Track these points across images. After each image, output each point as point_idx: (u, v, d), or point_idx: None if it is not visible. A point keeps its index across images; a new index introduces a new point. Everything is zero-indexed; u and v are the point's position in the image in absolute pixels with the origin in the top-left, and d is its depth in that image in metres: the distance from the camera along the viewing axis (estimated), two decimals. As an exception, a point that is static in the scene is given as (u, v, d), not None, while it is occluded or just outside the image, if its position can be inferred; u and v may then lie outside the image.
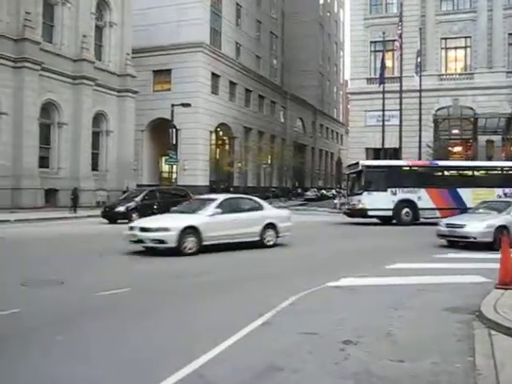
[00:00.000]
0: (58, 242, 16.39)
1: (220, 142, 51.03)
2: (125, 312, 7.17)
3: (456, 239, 14.72)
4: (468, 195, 23.97)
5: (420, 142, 34.97)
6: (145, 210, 26.07)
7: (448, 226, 14.96)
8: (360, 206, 23.96)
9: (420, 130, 35.10)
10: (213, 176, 47.42)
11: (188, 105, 34.86)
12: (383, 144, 35.16)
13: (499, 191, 24.25)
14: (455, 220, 15.47)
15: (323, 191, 62.75)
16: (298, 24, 69.33)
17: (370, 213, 23.97)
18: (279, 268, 11.26)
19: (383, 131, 34.84)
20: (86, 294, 8.20)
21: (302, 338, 5.72)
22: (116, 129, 36.86)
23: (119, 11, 37.45)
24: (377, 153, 38.89)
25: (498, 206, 15.85)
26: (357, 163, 25.77)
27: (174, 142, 35.73)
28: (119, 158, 36.75)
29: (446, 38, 41.71)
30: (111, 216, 24.40)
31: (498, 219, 14.54)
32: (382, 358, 5.05)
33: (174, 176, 39.61)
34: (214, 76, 47.11)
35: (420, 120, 35.16)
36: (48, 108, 31.79)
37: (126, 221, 24.97)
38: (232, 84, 50.45)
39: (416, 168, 26.11)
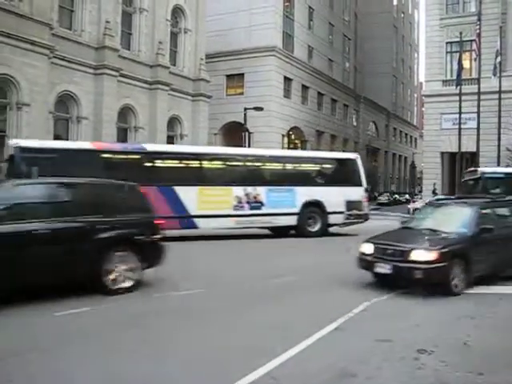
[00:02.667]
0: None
1: (292, 146, 51.02)
2: (195, 312, 7.29)
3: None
4: (190, 197, 17.47)
5: (499, 145, 33.65)
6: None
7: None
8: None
9: (499, 134, 33.76)
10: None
11: (261, 108, 35.06)
12: (460, 148, 34.10)
13: (238, 190, 18.31)
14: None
15: (396, 196, 61.54)
16: (371, 26, 68.41)
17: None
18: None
19: (459, 135, 33.75)
20: (159, 293, 8.40)
21: (375, 345, 5.65)
22: (190, 132, 37.57)
23: (193, 18, 38.22)
24: (452, 157, 37.74)
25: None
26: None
27: (247, 146, 36.04)
28: (193, 162, 37.41)
29: (528, 37, 39.98)
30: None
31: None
32: (459, 369, 4.90)
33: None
34: (287, 80, 47.19)
35: (499, 123, 33.81)
36: (125, 112, 32.80)
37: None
38: (304, 87, 50.36)
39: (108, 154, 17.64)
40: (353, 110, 62.17)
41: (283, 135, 47.11)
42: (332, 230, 20.45)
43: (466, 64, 39.09)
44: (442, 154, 40.95)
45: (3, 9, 24.35)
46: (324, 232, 19.62)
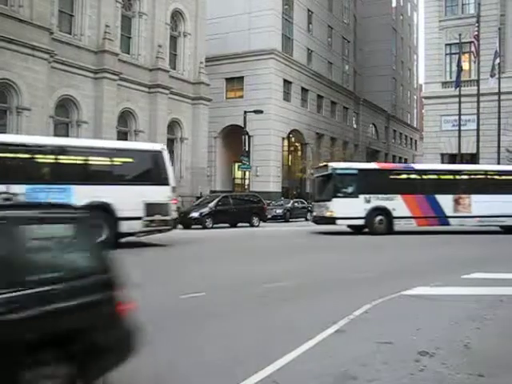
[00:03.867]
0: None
1: (292, 148, 51.08)
2: (204, 314, 7.31)
3: None
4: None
5: (499, 146, 33.70)
6: (219, 216, 26.51)
7: None
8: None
9: (499, 135, 33.81)
10: (285, 182, 47.53)
11: (260, 111, 35.15)
12: (459, 149, 34.12)
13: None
14: None
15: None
16: (370, 28, 68.50)
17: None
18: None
19: (459, 136, 33.85)
20: (166, 296, 8.42)
21: (376, 347, 5.66)
22: (190, 136, 37.62)
23: (193, 21, 38.30)
24: (453, 158, 37.78)
25: None
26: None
27: (247, 149, 36.10)
28: (193, 165, 37.47)
29: (527, 38, 40.03)
30: (185, 222, 24.90)
31: None
32: (460, 371, 4.91)
33: (247, 182, 40.02)
34: (286, 82, 47.25)
35: (499, 124, 33.87)
36: (125, 116, 32.86)
37: (200, 226, 25.51)
38: (304, 90, 50.43)
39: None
40: (352, 113, 62.21)
41: (283, 138, 47.17)
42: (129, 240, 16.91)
43: (465, 66, 39.18)
44: (442, 155, 40.99)
45: (4, 14, 24.43)
46: (113, 244, 14.08)
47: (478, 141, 33.61)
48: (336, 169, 22.74)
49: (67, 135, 29.26)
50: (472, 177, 24.71)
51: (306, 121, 49.97)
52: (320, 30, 54.09)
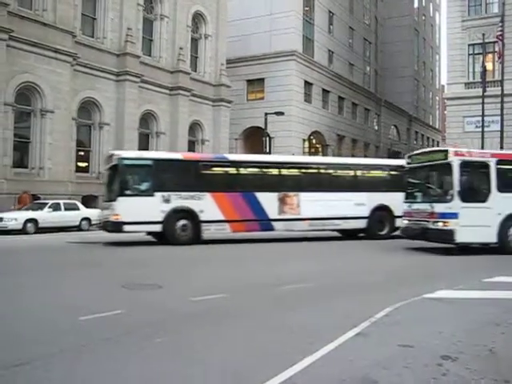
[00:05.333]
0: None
1: (313, 150, 50.93)
2: (220, 316, 7.31)
3: None
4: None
5: (523, 148, 33.24)
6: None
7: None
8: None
9: (523, 136, 33.37)
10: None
11: (281, 113, 35.11)
12: (483, 151, 33.70)
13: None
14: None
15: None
16: (391, 29, 68.09)
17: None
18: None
19: (482, 137, 33.41)
20: (184, 298, 8.44)
21: (397, 351, 5.58)
22: (211, 138, 37.75)
23: (214, 23, 38.46)
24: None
25: None
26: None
27: (268, 150, 36.08)
28: (214, 167, 37.56)
29: (552, 38, 39.43)
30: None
31: None
32: (485, 376, 4.82)
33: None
34: (307, 84, 47.13)
35: (523, 125, 33.43)
36: (146, 118, 33.09)
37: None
38: (325, 92, 50.26)
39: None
40: (374, 114, 61.86)
41: (304, 140, 47.05)
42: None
43: (488, 66, 38.67)
44: (465, 157, 40.46)
45: (28, 18, 24.82)
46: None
47: (501, 142, 33.13)
48: (123, 159, 17.72)
49: (89, 137, 29.59)
50: (302, 171, 20.84)
51: (327, 122, 49.80)
52: (341, 31, 53.90)
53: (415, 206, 16.23)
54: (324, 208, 19.76)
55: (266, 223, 19.27)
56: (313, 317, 7.35)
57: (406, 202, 16.88)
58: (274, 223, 19.37)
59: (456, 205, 14.52)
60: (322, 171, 21.01)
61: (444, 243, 15.48)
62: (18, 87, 24.72)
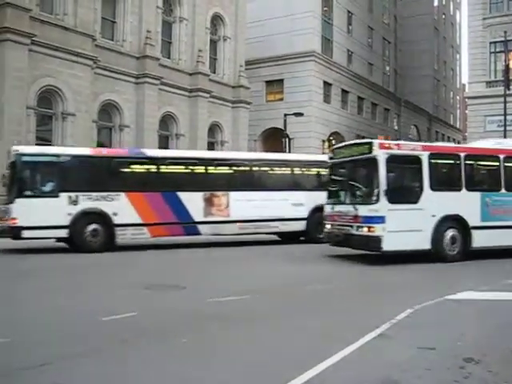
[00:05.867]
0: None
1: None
2: (244, 317, 7.33)
3: None
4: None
5: (546, 147, 32.76)
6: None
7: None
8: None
9: (547, 135, 32.93)
10: (325, 184, 47.16)
11: (300, 114, 35.06)
12: (505, 150, 33.29)
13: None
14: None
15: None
16: (411, 28, 67.57)
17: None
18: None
19: (505, 137, 33.02)
20: (208, 298, 8.48)
21: (418, 353, 5.56)
22: (230, 139, 37.82)
23: (233, 25, 38.55)
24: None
25: None
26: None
27: (287, 151, 36.06)
28: (233, 168, 37.65)
29: None
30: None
31: None
32: (508, 379, 4.77)
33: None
34: (326, 84, 46.99)
35: (546, 124, 32.99)
36: (166, 120, 33.26)
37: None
38: (344, 92, 50.07)
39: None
40: (394, 114, 61.48)
41: (323, 140, 46.91)
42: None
43: (510, 64, 38.22)
44: (487, 157, 40.05)
45: (50, 23, 25.13)
46: None
47: (524, 141, 32.77)
48: (22, 154, 15.61)
49: (110, 139, 29.85)
50: (232, 168, 18.85)
51: (346, 123, 49.61)
52: (360, 31, 53.66)
53: (338, 208, 14.03)
54: (257, 209, 18.02)
55: (190, 227, 17.48)
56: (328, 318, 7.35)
57: (328, 204, 14.65)
58: (199, 226, 17.59)
59: (382, 207, 12.53)
60: (255, 168, 19.15)
61: (370, 251, 13.50)
62: (40, 91, 25.02)
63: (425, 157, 13.22)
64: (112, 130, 30.08)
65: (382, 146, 12.87)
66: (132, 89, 30.44)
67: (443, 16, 77.08)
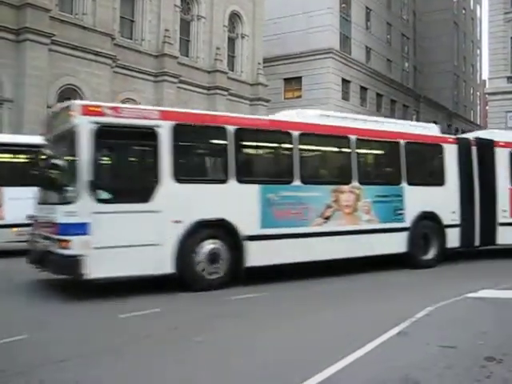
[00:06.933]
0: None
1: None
2: (259, 315, 7.35)
3: None
4: None
5: None
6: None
7: None
8: None
9: None
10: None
11: (318, 112, 34.89)
12: (526, 146, 32.87)
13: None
14: None
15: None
16: (430, 24, 66.89)
17: None
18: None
19: (527, 133, 32.65)
20: (220, 297, 8.50)
21: (439, 351, 5.52)
22: (248, 137, 37.84)
23: (250, 23, 38.52)
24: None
25: None
26: None
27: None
28: (251, 166, 37.69)
29: None
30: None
31: None
32: (530, 378, 4.74)
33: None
34: (345, 81, 46.78)
35: None
36: (185, 118, 33.39)
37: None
38: (363, 89, 49.79)
39: None
40: (413, 111, 60.99)
41: (342, 137, 46.66)
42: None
43: (532, 59, 37.75)
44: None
45: (69, 22, 25.35)
46: None
47: (546, 137, 32.30)
48: None
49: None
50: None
51: (365, 120, 49.30)
52: (379, 28, 53.30)
53: (38, 212, 9.66)
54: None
55: None
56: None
57: (37, 204, 9.84)
58: None
59: (83, 208, 8.20)
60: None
61: (70, 277, 8.86)
62: (60, 90, 25.23)
63: (165, 129, 9.02)
64: (131, 129, 30.27)
65: (86, 111, 8.48)
66: (151, 87, 30.58)
67: (463, 11, 76.20)
